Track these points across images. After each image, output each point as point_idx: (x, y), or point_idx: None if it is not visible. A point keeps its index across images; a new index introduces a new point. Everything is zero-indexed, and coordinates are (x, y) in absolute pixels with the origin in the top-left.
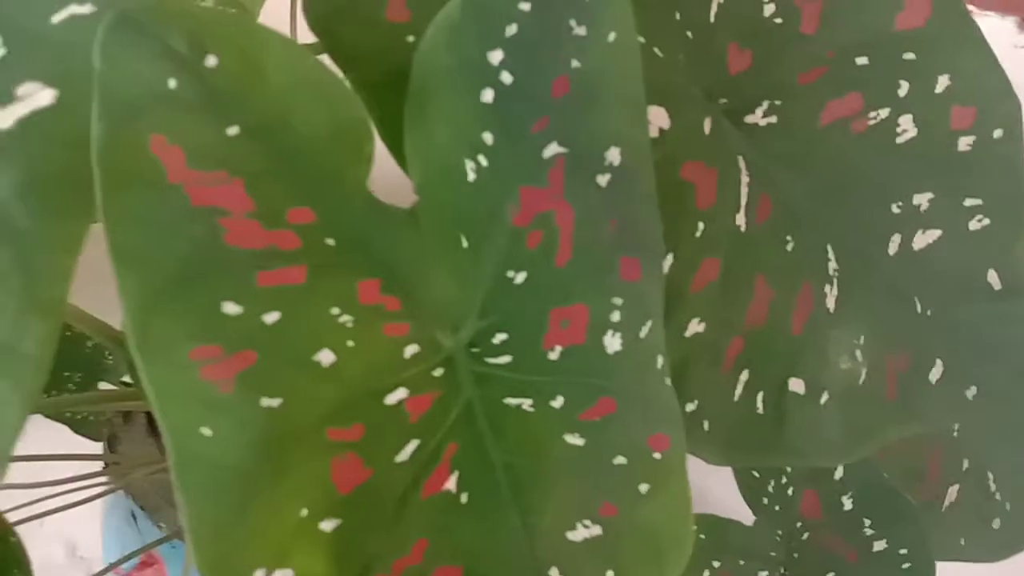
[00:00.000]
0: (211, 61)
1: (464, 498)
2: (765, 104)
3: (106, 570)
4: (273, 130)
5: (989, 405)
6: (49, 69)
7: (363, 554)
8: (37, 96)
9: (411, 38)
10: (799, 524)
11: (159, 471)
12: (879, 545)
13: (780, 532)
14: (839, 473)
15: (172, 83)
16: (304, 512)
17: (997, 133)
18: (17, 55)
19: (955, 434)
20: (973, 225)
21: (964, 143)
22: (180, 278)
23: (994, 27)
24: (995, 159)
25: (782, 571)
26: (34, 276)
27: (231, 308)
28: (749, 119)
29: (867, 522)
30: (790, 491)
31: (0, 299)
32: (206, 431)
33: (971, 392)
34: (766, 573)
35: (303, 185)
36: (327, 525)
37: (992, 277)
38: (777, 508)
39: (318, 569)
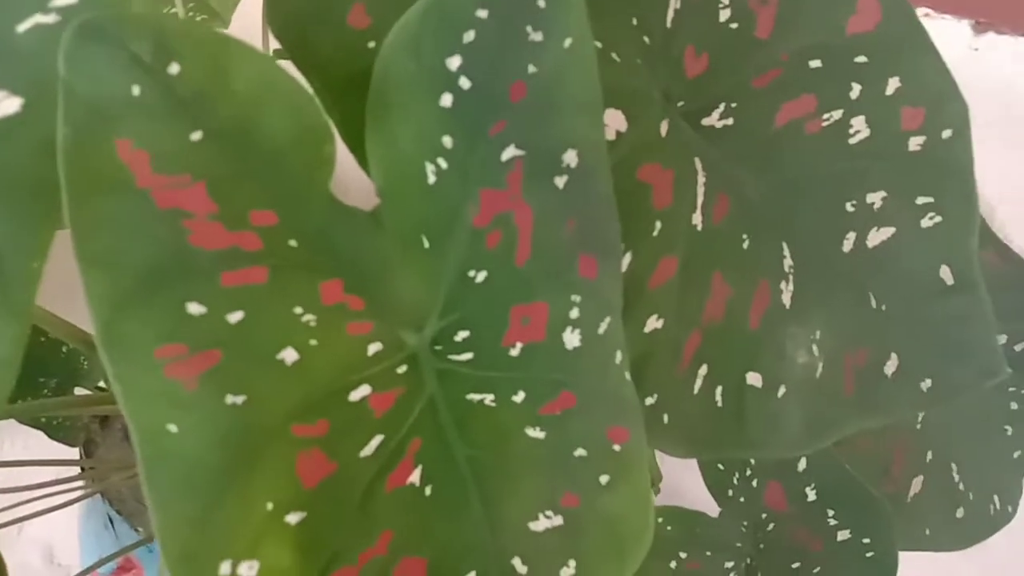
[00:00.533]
0: (174, 68)
1: (428, 491)
2: (722, 106)
3: (83, 574)
4: (236, 135)
5: (946, 398)
6: (15, 77)
7: (329, 546)
8: (3, 104)
9: (372, 44)
10: (764, 515)
11: (135, 475)
12: (843, 535)
13: (746, 523)
14: (802, 465)
15: (136, 89)
16: (270, 506)
17: (946, 133)
18: None
19: (919, 427)
20: (925, 223)
21: (915, 143)
22: (146, 280)
23: (950, 30)
24: (945, 158)
25: (748, 562)
26: (3, 281)
27: (195, 308)
28: (706, 121)
29: (831, 512)
30: (755, 483)
31: None
32: (172, 428)
33: (926, 385)
34: (732, 564)
35: (266, 188)
36: (293, 518)
37: (945, 273)
38: (742, 500)
39: (284, 561)
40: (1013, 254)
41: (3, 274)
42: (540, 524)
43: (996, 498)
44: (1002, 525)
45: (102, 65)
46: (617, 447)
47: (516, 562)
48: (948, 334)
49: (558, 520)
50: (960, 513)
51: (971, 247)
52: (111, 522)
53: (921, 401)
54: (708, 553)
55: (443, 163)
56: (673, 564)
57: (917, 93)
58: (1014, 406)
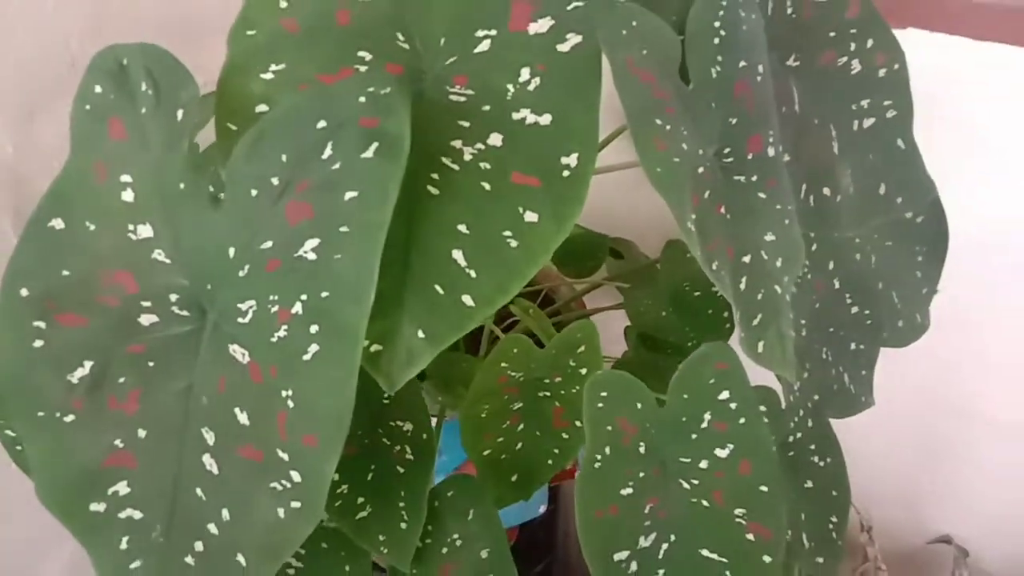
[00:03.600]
0: None
1: None
2: (795, 54)
3: None
4: None
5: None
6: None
7: None
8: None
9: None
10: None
11: None
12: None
13: None
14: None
15: None
16: None
17: (895, 66)
18: None
19: (873, 267)
20: (889, 113)
21: (881, 72)
22: None
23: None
24: (898, 78)
25: None
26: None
27: None
28: (788, 63)
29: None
30: None
31: None
32: None
33: (899, 200)
34: None
35: None
36: None
37: (899, 144)
38: None
39: None
40: None
41: None
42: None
43: (918, 316)
44: (923, 333)
45: None
46: None
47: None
48: (907, 171)
49: None
50: (900, 324)
51: (910, 131)
52: None
53: (894, 209)
54: None
55: None
56: None
57: (883, 46)
58: (920, 259)
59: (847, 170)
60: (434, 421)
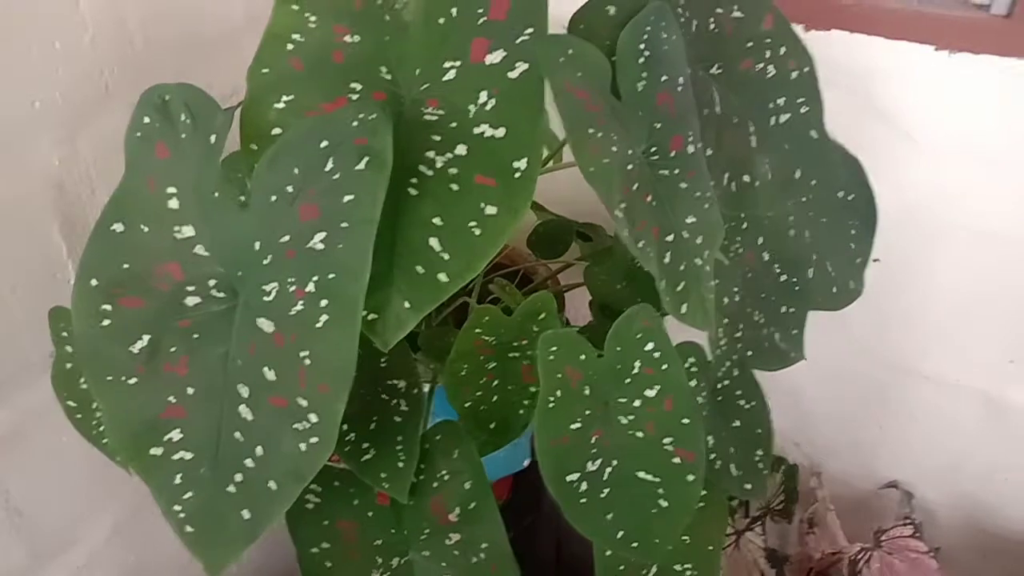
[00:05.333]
0: None
1: None
2: (718, 63)
3: None
4: None
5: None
6: None
7: None
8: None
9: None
10: None
11: None
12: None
13: None
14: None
15: None
16: None
17: (805, 70)
18: None
19: (808, 240)
20: (802, 109)
21: (794, 75)
22: None
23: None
24: (807, 79)
25: None
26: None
27: None
28: (712, 71)
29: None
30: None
31: None
32: None
33: (811, 183)
34: None
35: None
36: None
37: (812, 134)
38: None
39: None
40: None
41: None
42: None
43: (851, 283)
44: (857, 298)
45: None
46: None
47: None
48: (819, 158)
49: None
50: (834, 290)
51: (822, 123)
52: None
53: (809, 190)
54: None
55: None
56: None
57: (794, 53)
58: (853, 232)
59: (765, 159)
60: (427, 387)
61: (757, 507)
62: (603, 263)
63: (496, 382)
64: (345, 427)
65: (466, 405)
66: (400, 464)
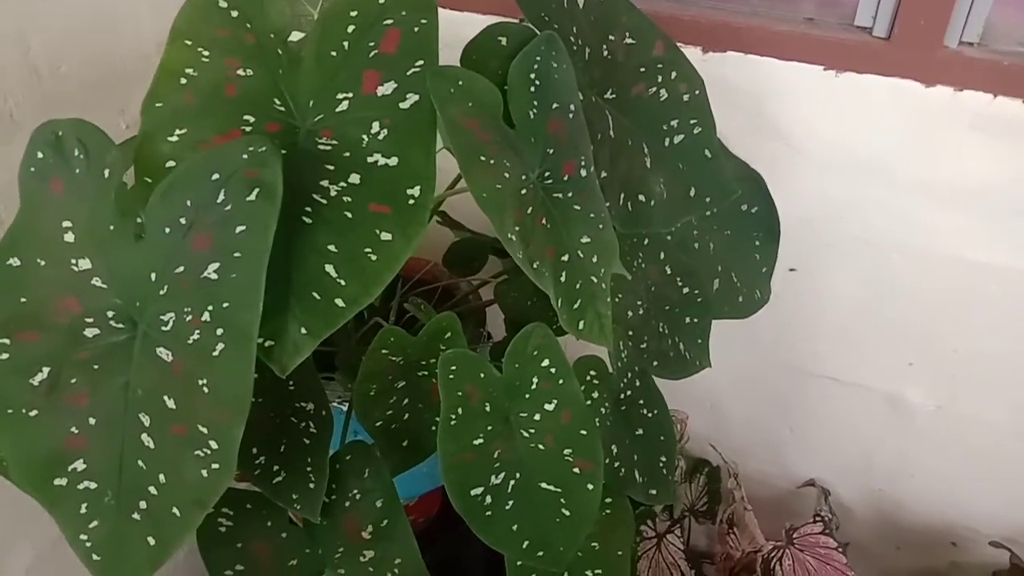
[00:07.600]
0: None
1: None
2: (612, 88)
3: None
4: None
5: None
6: None
7: None
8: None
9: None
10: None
11: None
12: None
13: None
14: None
15: None
16: None
17: (697, 92)
18: None
19: (712, 253)
20: (696, 129)
21: (685, 97)
22: None
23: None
24: (700, 103)
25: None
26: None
27: None
28: (606, 96)
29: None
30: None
31: None
32: None
33: (707, 200)
34: None
35: None
36: None
37: (706, 152)
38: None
39: None
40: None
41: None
42: None
43: (757, 292)
44: (762, 306)
45: None
46: None
47: None
48: (713, 175)
49: None
50: (740, 299)
51: (715, 142)
52: None
53: (704, 207)
54: None
55: None
56: None
57: (685, 77)
58: (757, 243)
59: (660, 179)
60: (347, 406)
61: (682, 510)
62: (513, 281)
63: (406, 401)
64: (255, 450)
65: (377, 424)
66: (311, 485)
